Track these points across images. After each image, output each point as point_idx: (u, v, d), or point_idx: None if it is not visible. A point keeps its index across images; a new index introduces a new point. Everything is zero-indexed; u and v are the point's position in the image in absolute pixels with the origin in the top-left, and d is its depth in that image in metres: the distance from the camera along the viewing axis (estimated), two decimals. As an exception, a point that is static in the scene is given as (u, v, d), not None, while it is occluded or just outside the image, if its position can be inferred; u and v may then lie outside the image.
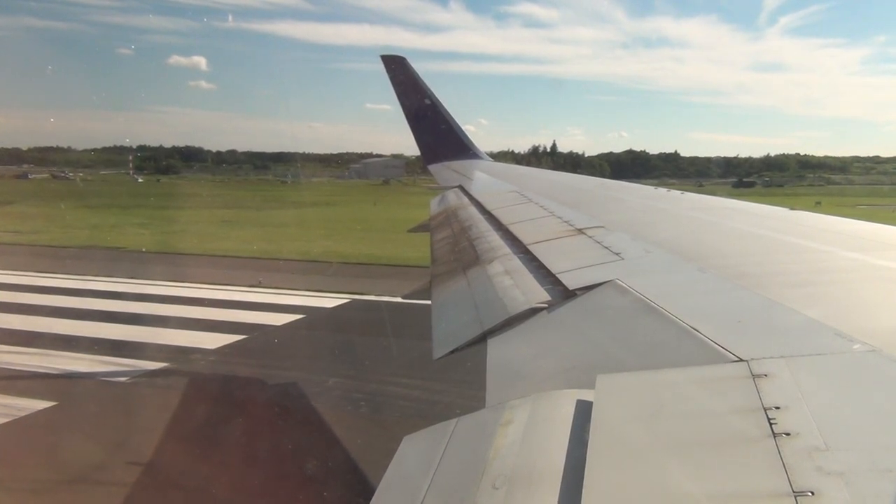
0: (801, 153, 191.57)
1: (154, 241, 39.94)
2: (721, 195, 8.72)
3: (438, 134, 17.73)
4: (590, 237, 4.96)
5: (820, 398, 1.89)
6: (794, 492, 1.46)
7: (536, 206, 7.33)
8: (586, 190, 10.19)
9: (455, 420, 2.32)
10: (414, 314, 18.00)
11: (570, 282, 3.73)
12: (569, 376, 2.59)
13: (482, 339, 3.50)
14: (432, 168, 17.26)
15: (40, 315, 20.31)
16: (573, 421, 2.00)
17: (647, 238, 4.66)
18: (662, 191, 8.55)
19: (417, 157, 21.24)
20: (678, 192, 8.22)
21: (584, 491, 1.58)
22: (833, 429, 1.70)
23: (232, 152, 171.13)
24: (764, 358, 2.19)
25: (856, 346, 2.24)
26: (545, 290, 3.83)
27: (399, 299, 20.39)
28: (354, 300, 23.44)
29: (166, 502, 10.42)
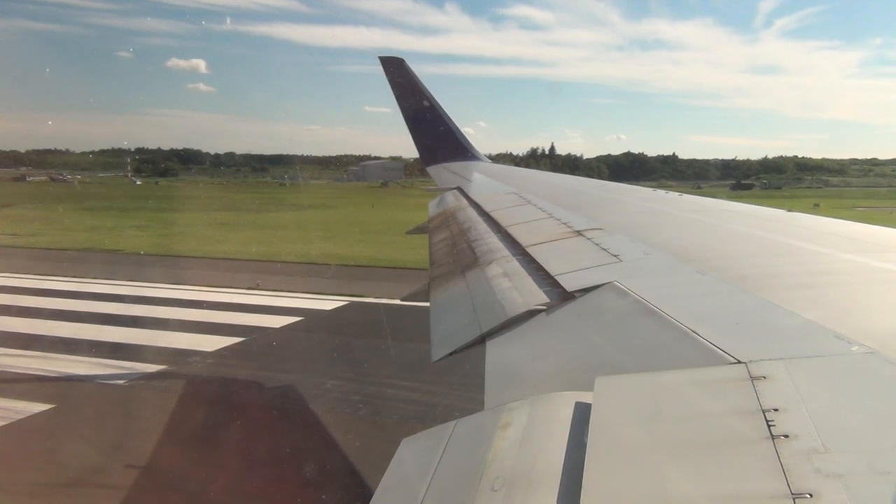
0: (799, 155, 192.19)
1: (152, 243, 39.91)
2: (719, 197, 8.73)
3: (437, 136, 17.74)
4: (588, 239, 4.96)
5: (818, 400, 1.89)
6: (792, 494, 1.46)
7: (535, 208, 7.33)
8: (585, 192, 10.19)
9: (454, 422, 2.32)
10: (412, 316, 18.02)
11: (569, 284, 3.73)
12: (567, 378, 2.59)
13: (481, 341, 3.50)
14: (431, 170, 17.27)
15: (38, 318, 20.26)
16: (572, 423, 2.00)
17: (646, 240, 4.66)
18: (661, 193, 8.56)
19: (416, 159, 21.25)
20: (676, 195, 8.22)
21: (582, 493, 1.58)
22: (832, 431, 1.70)
23: (230, 155, 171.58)
24: (762, 360, 2.19)
25: (854, 348, 2.24)
26: (543, 292, 3.83)
27: (397, 301, 20.38)
28: (353, 302, 23.42)
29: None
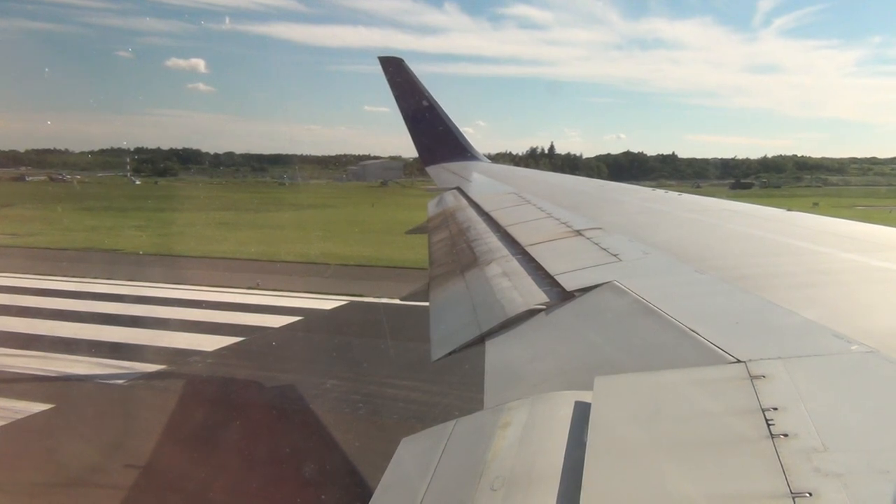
0: (798, 154, 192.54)
1: (152, 243, 39.90)
2: (719, 197, 8.73)
3: (436, 136, 17.73)
4: (588, 238, 4.96)
5: (818, 399, 1.89)
6: (791, 493, 1.46)
7: (534, 208, 7.33)
8: (584, 191, 10.19)
9: (453, 422, 2.32)
10: (412, 316, 18.01)
11: (568, 283, 3.73)
12: (567, 378, 2.59)
13: (480, 340, 3.50)
14: (430, 170, 17.27)
15: (38, 318, 20.26)
16: (571, 422, 2.00)
17: (645, 239, 4.66)
18: (660, 192, 8.56)
19: (415, 158, 21.25)
20: (676, 194, 8.22)
21: (582, 492, 1.58)
22: (831, 430, 1.70)
23: (230, 154, 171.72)
24: (762, 359, 2.19)
25: (854, 347, 2.24)
26: (543, 291, 3.83)
27: (397, 301, 20.39)
28: (352, 302, 23.42)
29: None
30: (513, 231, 6.05)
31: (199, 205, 70.91)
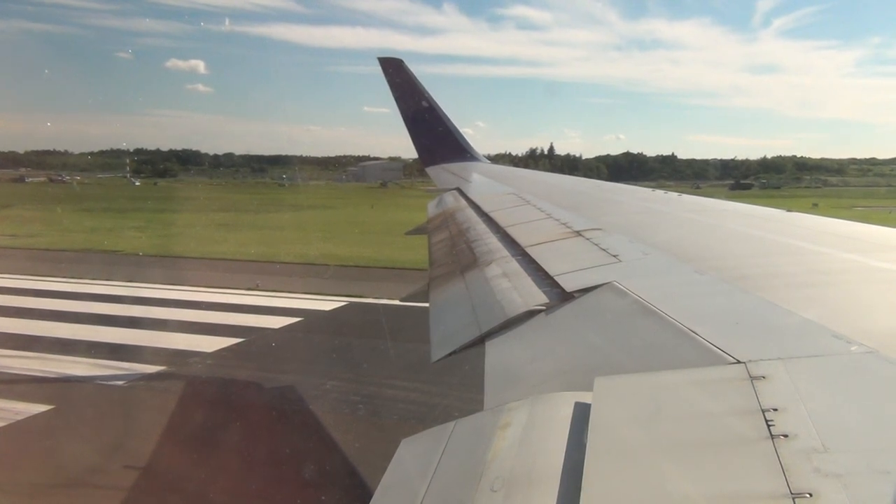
0: (798, 155, 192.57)
1: (151, 244, 39.90)
2: (718, 197, 8.73)
3: (436, 136, 17.75)
4: (587, 239, 4.96)
5: (818, 400, 1.89)
6: (791, 493, 1.46)
7: (534, 209, 7.33)
8: (584, 192, 10.20)
9: (453, 422, 2.32)
10: (412, 317, 18.00)
11: (568, 284, 3.73)
12: (567, 378, 2.59)
13: (480, 341, 3.50)
14: (430, 170, 17.28)
15: (37, 318, 20.25)
16: (571, 423, 2.00)
17: (645, 240, 4.66)
18: (660, 193, 8.56)
19: (415, 159, 21.29)
20: (675, 195, 8.23)
21: (582, 493, 1.58)
22: (831, 430, 1.70)
23: (229, 155, 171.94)
24: (762, 360, 2.19)
25: (853, 348, 2.24)
26: (543, 292, 3.83)
27: (397, 302, 20.37)
28: (352, 303, 23.41)
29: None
30: (512, 232, 6.05)
31: (198, 206, 70.94)
